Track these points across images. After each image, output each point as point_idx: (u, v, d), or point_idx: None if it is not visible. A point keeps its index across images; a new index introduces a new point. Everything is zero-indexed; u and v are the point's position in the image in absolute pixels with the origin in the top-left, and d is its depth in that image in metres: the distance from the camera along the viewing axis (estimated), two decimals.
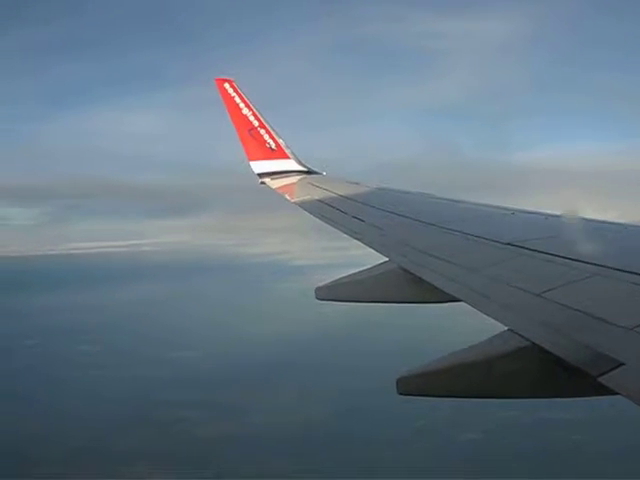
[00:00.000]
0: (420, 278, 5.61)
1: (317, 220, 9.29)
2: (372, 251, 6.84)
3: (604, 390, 3.13)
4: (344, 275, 6.75)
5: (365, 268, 6.64)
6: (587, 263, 4.83)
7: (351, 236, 7.76)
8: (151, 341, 63.19)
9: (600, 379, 3.14)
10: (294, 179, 13.45)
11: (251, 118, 13.67)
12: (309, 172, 13.79)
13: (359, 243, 7.37)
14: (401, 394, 4.01)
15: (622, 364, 3.18)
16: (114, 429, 41.82)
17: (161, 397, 47.05)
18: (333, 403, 44.65)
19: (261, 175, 13.69)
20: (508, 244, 5.84)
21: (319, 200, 10.50)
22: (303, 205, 10.70)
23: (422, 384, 4.04)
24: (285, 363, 52.88)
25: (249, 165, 13.77)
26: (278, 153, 13.83)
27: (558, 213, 7.16)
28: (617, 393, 3.04)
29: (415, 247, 6.58)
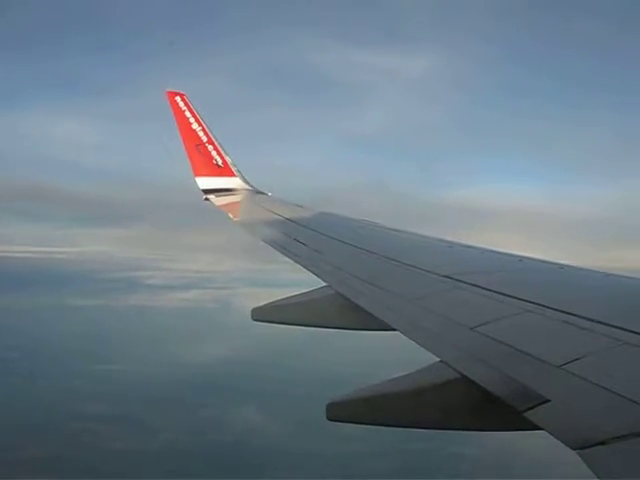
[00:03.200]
0: (357, 305, 5.63)
1: (257, 240, 9.26)
2: (305, 276, 6.85)
3: (529, 425, 3.18)
4: (283, 297, 6.73)
5: (303, 292, 6.63)
6: (520, 299, 4.92)
7: (291, 259, 7.75)
8: (72, 351, 61.87)
9: (526, 414, 3.19)
10: (238, 198, 13.40)
11: (200, 133, 13.61)
12: (254, 192, 13.76)
13: (298, 267, 7.37)
14: (330, 420, 4.00)
15: (548, 400, 3.24)
16: (23, 437, 40.82)
17: (77, 409, 46.01)
18: (248, 427, 44.37)
19: (206, 191, 13.59)
20: (446, 276, 5.92)
21: (262, 220, 10.48)
22: (245, 224, 10.67)
23: (351, 411, 4.04)
24: (209, 384, 52.39)
25: (194, 180, 13.66)
26: (224, 170, 13.77)
27: (494, 249, 7.30)
28: (542, 429, 3.09)
29: (354, 274, 6.60)
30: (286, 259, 7.89)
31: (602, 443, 2.75)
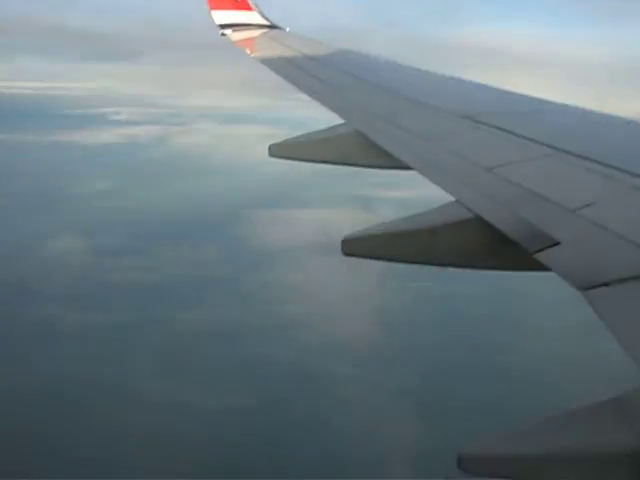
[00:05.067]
0: (375, 143, 5.61)
1: (275, 77, 9.10)
2: (318, 114, 6.77)
3: (539, 266, 3.26)
4: (300, 134, 6.71)
5: (321, 129, 6.60)
6: (540, 143, 4.89)
7: (309, 95, 7.65)
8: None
9: (536, 255, 3.26)
10: (256, 33, 13.03)
11: None
12: (272, 27, 13.36)
13: (315, 104, 7.29)
14: (345, 254, 4.10)
15: (559, 243, 3.30)
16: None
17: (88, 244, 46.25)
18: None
19: (222, 26, 13.20)
20: (466, 117, 5.85)
21: (280, 56, 10.25)
22: (262, 60, 10.44)
23: (367, 246, 4.12)
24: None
25: (210, 14, 13.24)
26: (242, 4, 13.31)
27: (517, 91, 7.17)
28: (550, 270, 3.17)
29: (373, 112, 6.53)
30: (303, 96, 7.79)
31: (605, 284, 2.84)
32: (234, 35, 12.95)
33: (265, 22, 13.38)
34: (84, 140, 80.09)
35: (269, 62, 10.07)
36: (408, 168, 4.98)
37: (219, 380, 27.95)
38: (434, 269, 4.27)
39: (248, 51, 11.81)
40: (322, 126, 6.62)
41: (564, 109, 6.43)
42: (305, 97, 7.68)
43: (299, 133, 6.74)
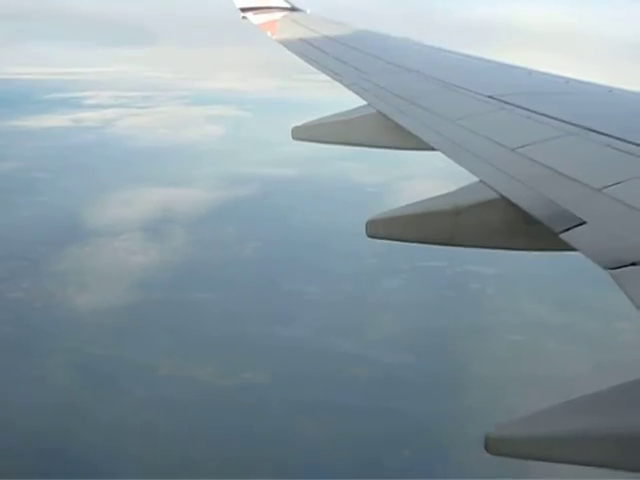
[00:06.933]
0: (398, 124, 5.59)
1: (295, 59, 9.09)
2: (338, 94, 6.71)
3: (565, 246, 3.24)
4: (325, 116, 6.68)
5: (343, 111, 6.58)
6: (565, 122, 4.84)
7: (331, 77, 7.63)
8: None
9: (562, 235, 3.24)
10: (277, 15, 12.98)
11: None
12: (293, 9, 13.28)
13: (336, 84, 7.27)
14: (369, 237, 4.10)
15: (584, 222, 3.27)
16: None
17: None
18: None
19: (243, 10, 13.15)
20: (490, 97, 5.80)
21: (301, 39, 10.22)
22: (284, 43, 10.42)
23: (390, 228, 4.12)
24: None
25: None
26: None
27: (540, 70, 7.09)
28: (576, 250, 3.14)
29: (396, 93, 6.49)
30: (325, 77, 7.77)
31: (634, 264, 2.80)
32: (255, 18, 12.91)
33: (286, 4, 13.32)
34: (31, 125, 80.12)
35: (290, 44, 10.05)
36: (432, 149, 4.96)
37: None
38: (450, 249, 4.26)
39: (270, 34, 11.78)
40: (331, 109, 6.59)
41: (589, 87, 6.35)
42: (325, 78, 7.66)
43: (270, 115, 6.72)
